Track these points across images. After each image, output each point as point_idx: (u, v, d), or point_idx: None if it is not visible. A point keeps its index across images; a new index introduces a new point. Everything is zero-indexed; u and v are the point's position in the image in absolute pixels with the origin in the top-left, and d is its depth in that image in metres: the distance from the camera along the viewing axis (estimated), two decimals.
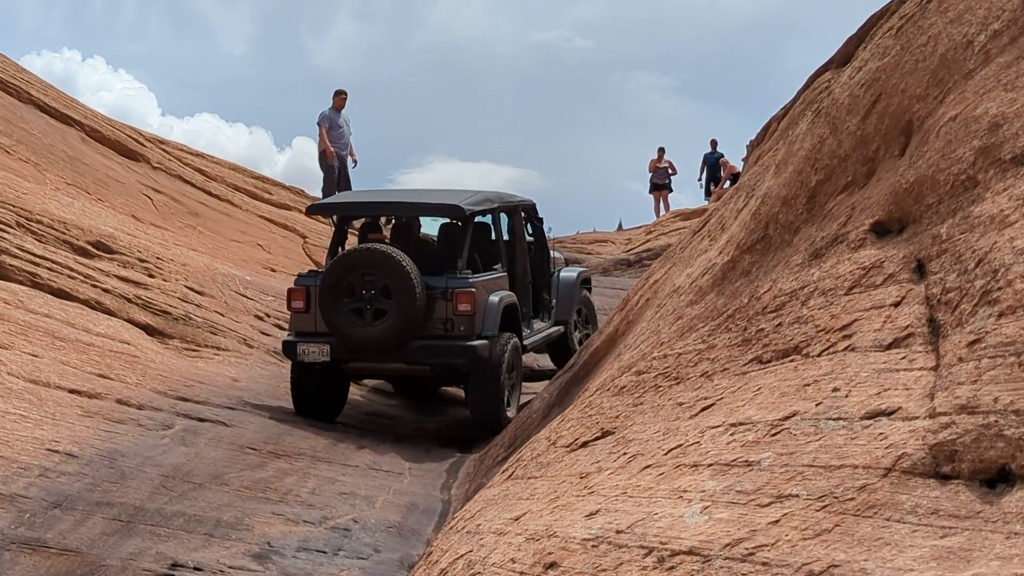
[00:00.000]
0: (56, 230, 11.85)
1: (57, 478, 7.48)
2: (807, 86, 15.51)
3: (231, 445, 9.14)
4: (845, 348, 3.68)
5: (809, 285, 4.22)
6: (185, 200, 16.35)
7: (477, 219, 12.05)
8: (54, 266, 11.20)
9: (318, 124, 19.64)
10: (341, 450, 9.84)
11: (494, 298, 11.37)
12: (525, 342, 12.19)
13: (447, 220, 12.37)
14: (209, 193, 17.28)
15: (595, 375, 7.86)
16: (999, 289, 3.05)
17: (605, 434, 4.77)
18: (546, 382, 11.71)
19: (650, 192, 31.61)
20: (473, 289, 11.08)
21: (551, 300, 13.58)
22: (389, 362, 11.28)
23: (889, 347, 3.50)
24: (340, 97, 19.96)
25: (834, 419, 3.31)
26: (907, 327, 3.48)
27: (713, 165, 31.65)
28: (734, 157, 31.33)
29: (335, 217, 12.79)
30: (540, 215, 13.72)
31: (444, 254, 11.75)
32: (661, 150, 31.25)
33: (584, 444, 4.85)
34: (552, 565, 3.55)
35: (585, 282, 14.80)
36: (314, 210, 13.25)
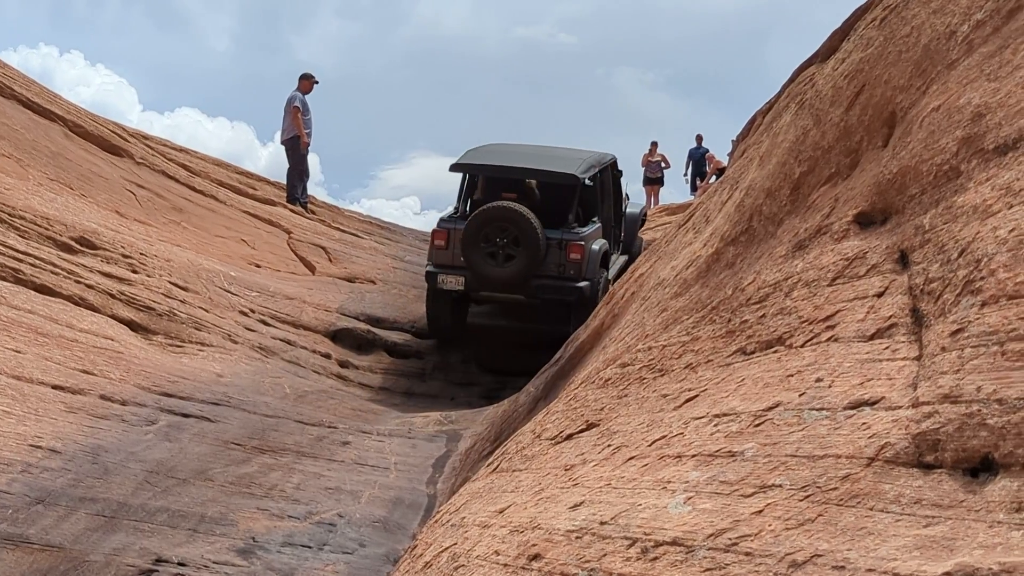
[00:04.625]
0: (39, 226, 11.79)
1: (40, 474, 7.45)
2: (792, 80, 15.54)
3: (215, 440, 9.11)
4: (828, 339, 3.67)
5: (792, 276, 4.21)
6: (169, 195, 16.26)
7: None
8: (37, 262, 11.13)
9: (294, 106, 19.31)
10: (326, 445, 9.81)
11: (595, 247, 14.56)
12: (609, 277, 14.99)
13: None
14: (193, 188, 17.17)
15: (580, 368, 7.84)
16: (982, 279, 3.04)
17: (590, 426, 4.76)
18: None
19: (644, 186, 31.63)
20: (583, 242, 14.24)
21: (621, 234, 17.03)
22: (511, 294, 14.44)
23: (872, 337, 3.49)
24: (310, 81, 19.65)
25: (817, 409, 3.30)
26: (890, 317, 3.48)
27: (699, 160, 31.73)
28: (719, 152, 31.45)
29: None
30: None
31: (555, 207, 14.48)
32: (654, 144, 31.26)
33: (569, 436, 4.83)
34: (536, 557, 3.54)
35: (644, 216, 19.24)
36: (457, 168, 15.23)
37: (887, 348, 3.37)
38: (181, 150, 19.07)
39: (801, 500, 2.98)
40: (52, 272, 11.19)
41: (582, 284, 14.09)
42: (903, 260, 3.67)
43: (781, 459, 3.19)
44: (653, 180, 31.59)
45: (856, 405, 3.20)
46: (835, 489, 2.94)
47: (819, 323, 3.79)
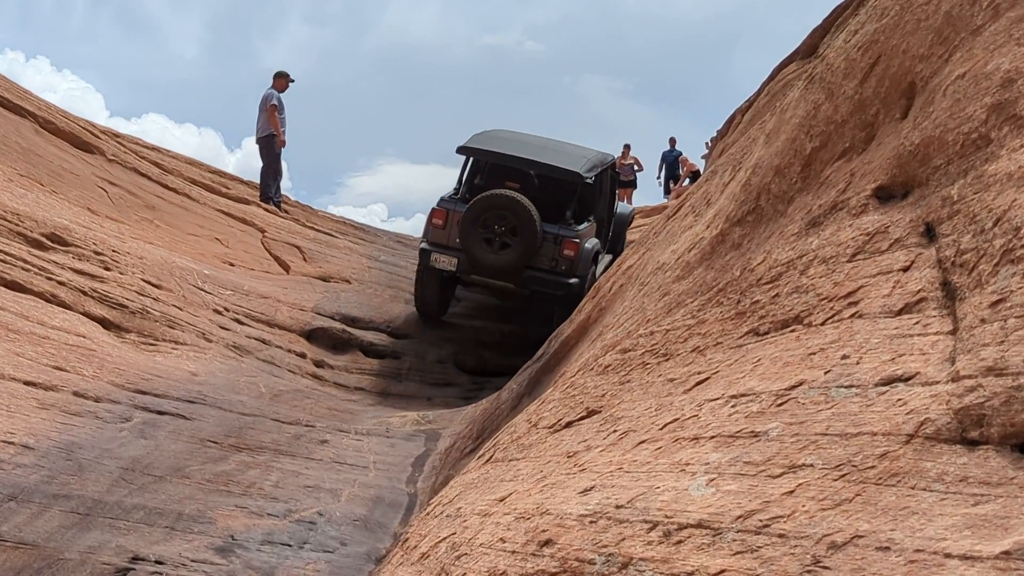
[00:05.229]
0: (9, 222, 11.54)
1: (12, 470, 7.24)
2: (771, 78, 15.39)
3: (191, 438, 8.92)
4: (852, 315, 3.50)
5: (808, 254, 4.03)
6: (141, 193, 16.03)
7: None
8: (8, 258, 10.89)
9: (271, 104, 19.02)
10: (304, 444, 9.63)
11: (588, 245, 14.76)
12: (598, 275, 14.76)
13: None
14: (166, 186, 16.93)
15: (566, 362, 7.70)
16: (1023, 247, 2.88)
17: (591, 413, 4.59)
18: None
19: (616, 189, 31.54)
20: (578, 240, 14.45)
21: (609, 233, 17.17)
22: (501, 281, 14.57)
23: (900, 312, 3.32)
24: (285, 79, 19.32)
25: (846, 387, 3.13)
26: (919, 291, 3.31)
27: (672, 163, 31.73)
28: (692, 156, 31.44)
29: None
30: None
31: (555, 201, 14.87)
32: (626, 147, 31.15)
33: (568, 424, 4.66)
34: (547, 543, 3.35)
35: (632, 217, 19.49)
36: (463, 151, 15.38)
37: (917, 323, 3.21)
38: (153, 148, 18.78)
39: (836, 480, 2.81)
40: (23, 268, 10.95)
41: (572, 281, 14.29)
42: (929, 233, 3.50)
43: (810, 438, 3.02)
44: (625, 183, 31.44)
45: (889, 381, 3.03)
46: (872, 468, 2.77)
47: (840, 300, 3.62)
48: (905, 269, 3.46)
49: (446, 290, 15.61)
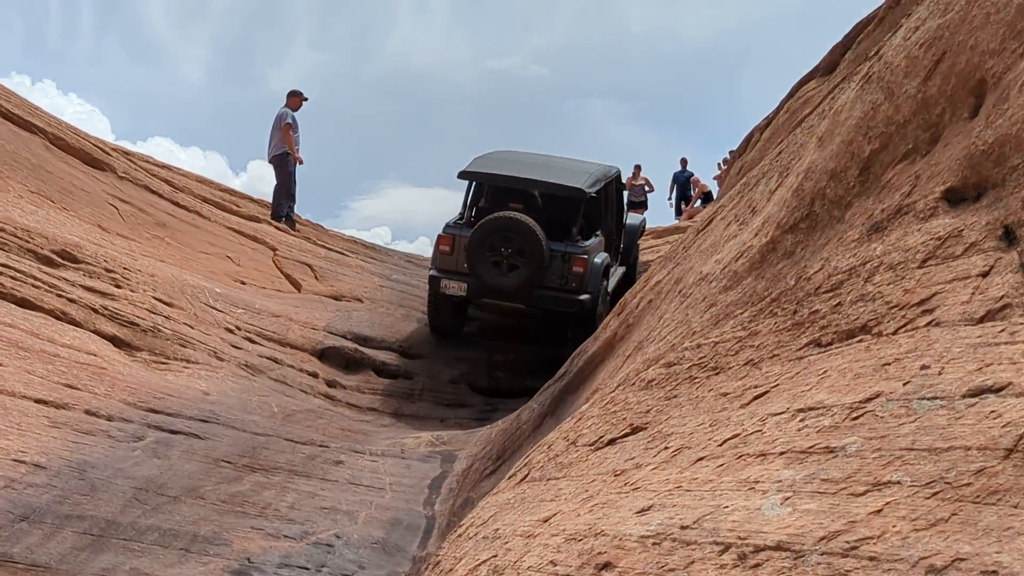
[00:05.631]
0: (20, 238, 11.37)
1: (24, 490, 7.05)
2: (791, 95, 15.13)
3: (205, 458, 8.73)
4: (927, 324, 3.28)
5: (872, 260, 3.82)
6: (152, 211, 15.86)
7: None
8: (18, 275, 10.72)
9: (286, 123, 18.89)
10: (319, 464, 9.44)
11: (597, 260, 14.74)
12: (609, 288, 15.41)
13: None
14: (177, 204, 16.75)
15: (594, 379, 7.50)
16: None
17: (636, 430, 4.37)
18: None
19: (628, 210, 31.29)
20: (586, 256, 14.45)
21: (620, 244, 17.15)
22: (513, 302, 14.77)
23: (982, 320, 3.11)
24: (299, 98, 19.24)
25: (929, 398, 2.92)
26: (1001, 297, 3.10)
27: (683, 184, 31.57)
28: (703, 176, 31.26)
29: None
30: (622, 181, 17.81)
31: (560, 219, 14.70)
32: (637, 167, 30.93)
33: (612, 441, 4.44)
34: (606, 566, 3.13)
35: (643, 228, 19.85)
36: (465, 176, 15.33)
37: (1003, 331, 2.99)
38: (164, 166, 18.61)
39: (928, 498, 2.59)
40: (33, 285, 10.78)
41: (583, 297, 14.31)
42: (1009, 236, 3.29)
43: (895, 453, 2.80)
44: (636, 203, 31.22)
45: (978, 392, 2.82)
46: (968, 485, 2.55)
47: (912, 308, 3.41)
48: (984, 274, 3.24)
49: (459, 312, 15.69)
